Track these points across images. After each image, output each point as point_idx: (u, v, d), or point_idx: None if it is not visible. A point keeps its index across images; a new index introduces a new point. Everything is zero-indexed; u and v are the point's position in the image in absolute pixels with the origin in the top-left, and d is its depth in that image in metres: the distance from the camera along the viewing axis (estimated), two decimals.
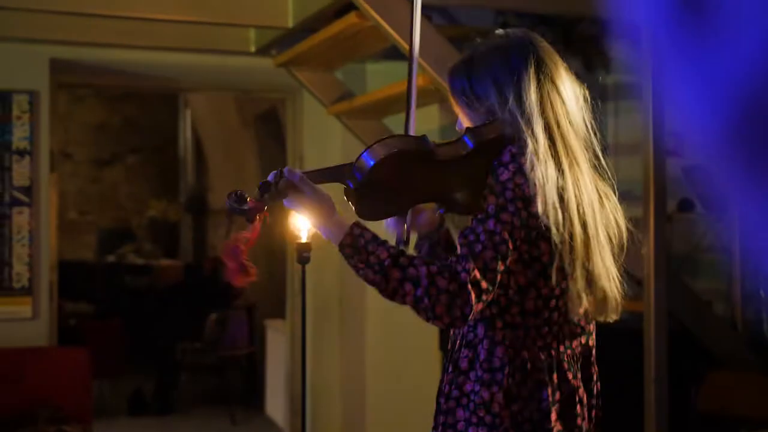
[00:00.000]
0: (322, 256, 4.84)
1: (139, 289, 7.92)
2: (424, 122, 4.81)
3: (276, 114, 6.37)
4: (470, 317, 1.64)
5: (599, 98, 5.71)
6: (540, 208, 1.68)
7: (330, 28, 3.73)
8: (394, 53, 4.29)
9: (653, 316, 3.54)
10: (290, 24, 3.95)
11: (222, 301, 6.88)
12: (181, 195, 9.05)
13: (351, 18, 3.52)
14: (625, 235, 1.88)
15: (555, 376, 1.77)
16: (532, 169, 1.69)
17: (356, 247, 1.68)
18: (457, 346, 1.83)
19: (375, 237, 1.70)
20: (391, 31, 3.41)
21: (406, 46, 3.42)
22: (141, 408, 6.59)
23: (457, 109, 1.87)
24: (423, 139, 1.78)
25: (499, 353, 1.75)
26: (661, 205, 3.63)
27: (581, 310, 1.78)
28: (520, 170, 1.69)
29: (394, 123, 4.63)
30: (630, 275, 3.97)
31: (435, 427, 1.85)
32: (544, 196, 1.69)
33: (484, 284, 1.63)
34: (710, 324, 3.99)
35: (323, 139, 4.94)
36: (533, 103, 1.76)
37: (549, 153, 1.73)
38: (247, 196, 1.69)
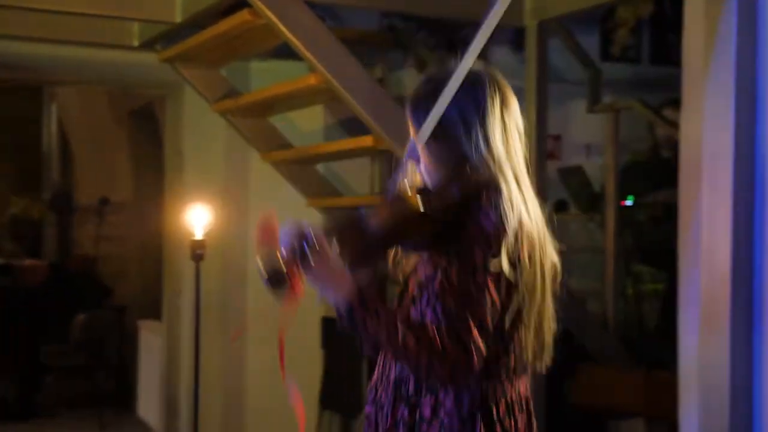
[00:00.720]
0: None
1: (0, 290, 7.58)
2: (309, 121, 4.85)
3: (152, 110, 6.24)
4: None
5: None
6: (511, 258, 1.69)
7: (221, 25, 3.70)
8: (280, 52, 4.29)
9: None
10: (178, 19, 3.90)
11: (91, 301, 6.69)
12: (45, 192, 8.72)
13: (244, 15, 3.51)
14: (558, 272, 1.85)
15: (511, 423, 1.77)
16: (507, 217, 1.69)
17: (366, 308, 1.63)
18: (411, 391, 1.78)
19: (377, 294, 1.67)
20: (284, 30, 3.41)
21: (299, 45, 3.45)
22: (2, 413, 6.33)
23: (417, 137, 1.81)
24: (419, 197, 1.73)
25: (467, 401, 1.73)
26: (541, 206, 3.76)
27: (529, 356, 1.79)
28: (500, 219, 1.69)
29: (279, 122, 4.63)
30: None
31: None
32: (516, 245, 1.69)
33: (482, 347, 1.63)
34: (584, 321, 4.17)
35: (205, 137, 4.86)
36: (500, 146, 1.76)
37: (519, 199, 1.73)
38: (279, 266, 1.60)
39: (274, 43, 3.91)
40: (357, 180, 4.85)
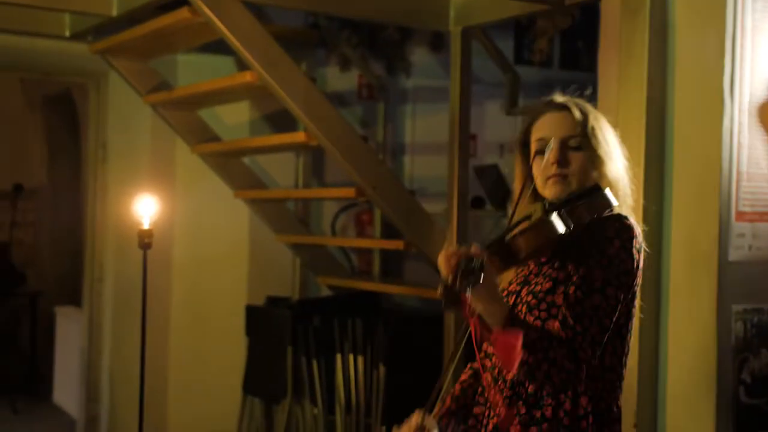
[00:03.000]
0: (122, 243, 4.84)
1: None
2: (235, 115, 4.96)
3: (69, 96, 6.21)
4: None
5: (400, 100, 6.03)
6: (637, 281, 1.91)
7: (159, 21, 3.80)
8: (207, 46, 4.41)
9: None
10: (114, 13, 3.97)
11: (3, 288, 6.64)
12: None
13: (183, 13, 3.62)
14: None
15: (620, 427, 1.97)
16: (634, 243, 1.89)
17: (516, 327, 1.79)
18: (531, 391, 1.92)
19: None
20: (223, 29, 3.53)
21: (237, 44, 3.59)
22: None
23: (579, 146, 1.97)
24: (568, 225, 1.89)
25: (584, 403, 1.90)
26: (465, 201, 3.99)
27: None
28: (624, 246, 1.87)
29: (206, 115, 4.74)
30: (435, 266, 4.30)
31: None
32: (640, 269, 1.91)
33: (593, 361, 1.85)
34: None
35: (129, 126, 4.90)
36: (625, 179, 2.02)
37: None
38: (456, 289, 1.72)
39: (208, 39, 4.02)
40: (281, 173, 5.00)
